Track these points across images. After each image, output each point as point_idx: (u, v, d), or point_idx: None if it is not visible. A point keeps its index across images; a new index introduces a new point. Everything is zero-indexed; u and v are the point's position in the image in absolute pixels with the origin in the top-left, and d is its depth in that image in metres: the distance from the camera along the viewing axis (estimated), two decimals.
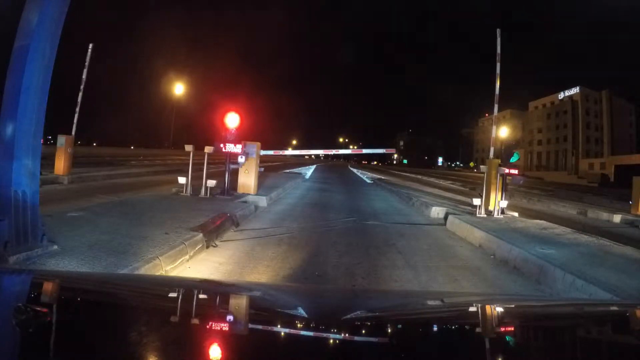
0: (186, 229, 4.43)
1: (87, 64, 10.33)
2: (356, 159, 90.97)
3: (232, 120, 8.25)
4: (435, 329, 1.16)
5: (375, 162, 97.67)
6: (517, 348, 0.98)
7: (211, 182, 7.80)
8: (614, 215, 9.89)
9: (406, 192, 12.04)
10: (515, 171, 8.22)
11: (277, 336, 0.97)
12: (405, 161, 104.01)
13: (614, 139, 52.87)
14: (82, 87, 10.29)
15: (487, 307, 1.41)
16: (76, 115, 10.29)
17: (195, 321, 1.06)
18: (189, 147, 8.36)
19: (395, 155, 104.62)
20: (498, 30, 8.23)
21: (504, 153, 8.95)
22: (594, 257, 4.32)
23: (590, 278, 3.43)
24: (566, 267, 3.76)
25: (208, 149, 8.26)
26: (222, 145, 8.10)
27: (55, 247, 3.23)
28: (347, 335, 0.97)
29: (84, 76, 10.30)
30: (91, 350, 0.76)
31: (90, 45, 10.41)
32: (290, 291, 1.74)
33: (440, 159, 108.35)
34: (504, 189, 7.88)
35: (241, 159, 8.42)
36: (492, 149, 8.21)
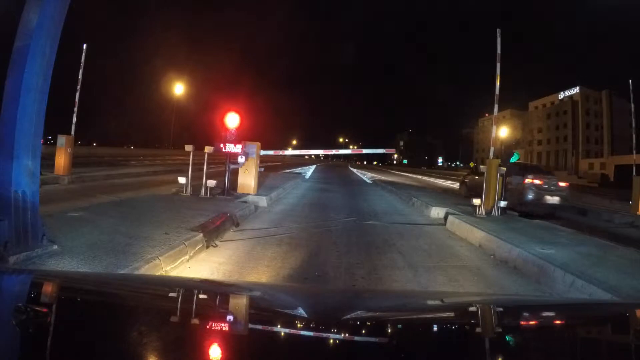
0: (186, 229, 4.43)
1: (82, 64, 10.51)
2: (356, 159, 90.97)
3: (232, 120, 8.25)
4: (435, 329, 1.16)
5: (375, 162, 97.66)
6: (517, 348, 0.98)
7: (211, 182, 7.80)
8: (614, 215, 9.90)
9: (406, 192, 12.05)
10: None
11: (277, 336, 0.97)
12: (405, 161, 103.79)
13: (614, 139, 52.78)
14: (78, 87, 10.46)
15: (487, 307, 1.41)
16: (74, 115, 10.42)
17: (195, 321, 1.06)
18: (189, 147, 8.36)
19: (395, 155, 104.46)
20: (498, 30, 8.22)
21: (504, 153, 8.94)
22: (593, 257, 4.32)
23: (590, 278, 3.44)
24: (566, 267, 3.76)
25: (208, 149, 8.26)
26: (222, 145, 8.11)
27: (55, 247, 3.23)
28: (347, 335, 0.97)
29: (79, 76, 10.48)
30: (91, 350, 0.76)
31: (84, 46, 10.65)
32: (290, 291, 1.73)
33: (440, 159, 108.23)
34: (504, 189, 7.88)
35: (241, 159, 8.41)
36: (492, 149, 8.20)
